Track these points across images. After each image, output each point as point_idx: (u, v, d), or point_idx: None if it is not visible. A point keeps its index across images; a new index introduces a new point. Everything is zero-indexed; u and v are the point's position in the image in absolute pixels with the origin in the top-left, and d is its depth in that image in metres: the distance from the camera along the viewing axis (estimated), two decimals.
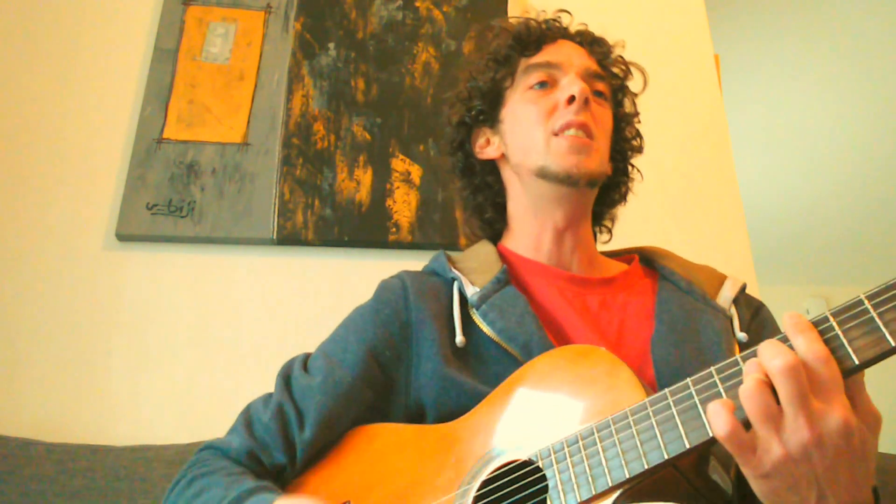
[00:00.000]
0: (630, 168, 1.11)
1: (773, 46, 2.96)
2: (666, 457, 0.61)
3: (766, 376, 0.57)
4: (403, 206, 1.65)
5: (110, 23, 1.80)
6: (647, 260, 1.04)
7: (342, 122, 1.71)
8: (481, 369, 0.87)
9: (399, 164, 1.69)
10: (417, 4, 1.85)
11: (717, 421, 0.58)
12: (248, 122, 1.69)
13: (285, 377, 0.91)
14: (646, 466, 0.62)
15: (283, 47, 1.77)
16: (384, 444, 0.84)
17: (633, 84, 1.11)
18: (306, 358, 0.94)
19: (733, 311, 0.92)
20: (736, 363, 0.62)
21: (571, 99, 0.95)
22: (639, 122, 1.11)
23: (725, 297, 0.94)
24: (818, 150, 3.49)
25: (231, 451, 0.86)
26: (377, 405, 0.89)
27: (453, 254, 1.03)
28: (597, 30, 1.11)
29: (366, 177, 1.67)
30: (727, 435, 0.57)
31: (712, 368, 0.63)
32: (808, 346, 0.57)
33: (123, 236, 1.58)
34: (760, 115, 3.28)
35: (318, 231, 1.61)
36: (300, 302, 1.57)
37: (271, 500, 0.73)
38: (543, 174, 0.96)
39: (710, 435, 0.60)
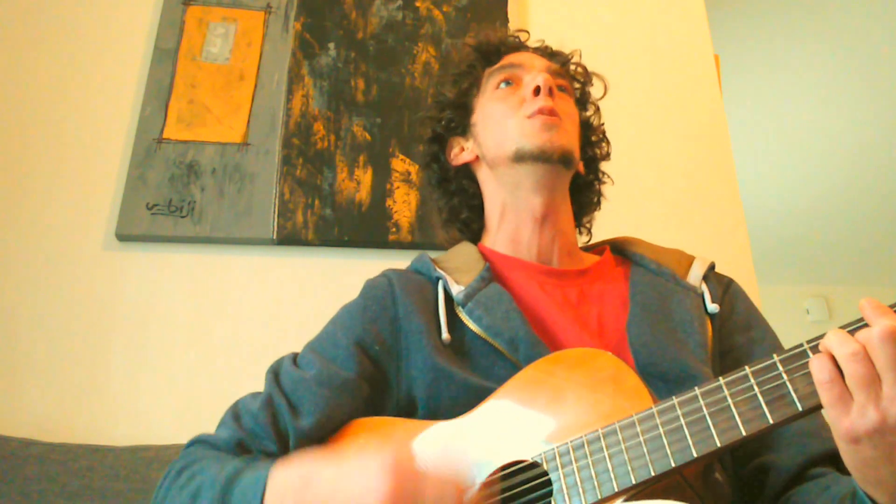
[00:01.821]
0: (601, 173, 1.16)
1: (774, 47, 2.96)
2: (672, 465, 0.62)
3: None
4: (403, 206, 1.65)
5: (110, 23, 1.80)
6: (618, 249, 1.07)
7: (342, 122, 1.71)
8: (469, 364, 0.87)
9: (399, 164, 1.69)
10: (417, 4, 1.85)
11: (820, 366, 0.59)
12: (248, 122, 1.69)
13: (274, 373, 0.91)
14: (652, 473, 0.63)
15: (283, 47, 1.77)
16: (383, 438, 0.84)
17: (595, 91, 1.17)
18: (295, 356, 0.94)
19: (703, 287, 0.94)
20: (745, 377, 0.63)
21: (538, 90, 0.99)
22: (603, 131, 1.16)
23: (695, 275, 0.96)
24: (818, 149, 3.49)
25: (219, 442, 0.85)
26: (371, 400, 0.89)
27: (434, 254, 1.05)
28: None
29: (366, 177, 1.67)
30: (829, 380, 0.58)
31: (721, 381, 0.64)
32: None
33: (123, 236, 1.58)
34: (760, 115, 3.28)
35: (318, 231, 1.61)
36: (300, 302, 1.57)
37: (267, 469, 0.72)
38: (519, 156, 0.98)
39: (718, 445, 0.61)
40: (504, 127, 1.01)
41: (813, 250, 4.09)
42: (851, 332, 0.60)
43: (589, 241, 1.16)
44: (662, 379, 0.82)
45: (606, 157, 1.16)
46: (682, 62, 1.92)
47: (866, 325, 0.59)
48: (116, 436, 1.38)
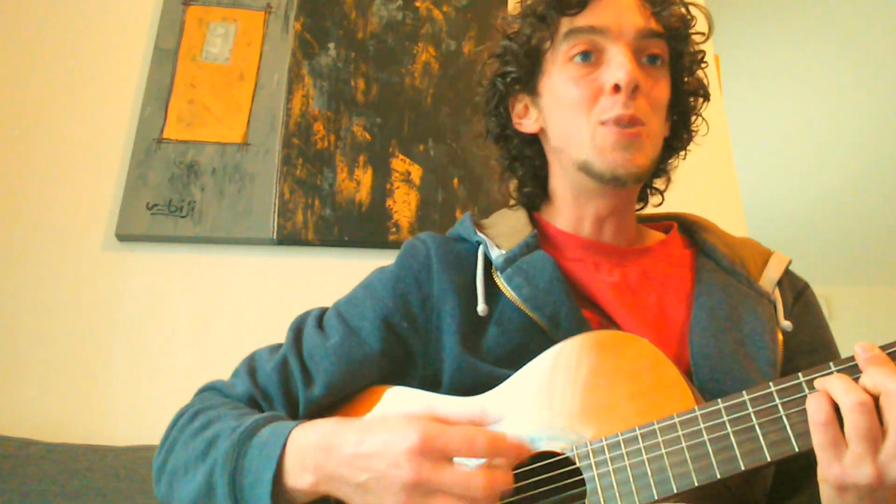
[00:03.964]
0: (694, 118, 0.98)
1: (774, 47, 2.96)
2: (718, 476, 0.60)
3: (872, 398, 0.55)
4: (403, 206, 1.65)
5: (110, 23, 1.80)
6: (686, 229, 0.96)
7: (342, 122, 1.71)
8: (503, 339, 0.81)
9: (399, 164, 1.69)
10: (417, 4, 1.85)
11: (817, 406, 0.56)
12: (248, 122, 1.69)
13: (296, 331, 0.88)
14: (696, 484, 0.60)
15: (283, 47, 1.77)
16: (404, 409, 0.78)
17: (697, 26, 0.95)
18: (321, 314, 0.90)
19: (777, 294, 0.84)
20: (800, 386, 0.60)
21: (617, 88, 0.81)
22: (706, 64, 0.95)
23: (770, 278, 0.86)
24: (818, 150, 3.49)
25: (233, 394, 0.83)
26: (392, 373, 0.85)
27: (482, 219, 0.96)
28: None
29: (366, 177, 1.67)
30: (826, 421, 0.56)
31: (772, 388, 0.61)
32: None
33: (123, 236, 1.58)
34: (760, 115, 3.28)
35: (318, 231, 1.61)
36: (300, 302, 1.55)
37: (288, 428, 0.69)
38: (586, 169, 0.85)
39: (768, 459, 0.58)
40: (573, 124, 0.85)
41: (813, 250, 4.09)
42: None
43: (661, 203, 1.03)
44: None
45: (705, 98, 0.96)
46: None
47: (860, 372, 0.58)
48: (116, 436, 1.38)
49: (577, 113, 0.84)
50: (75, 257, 1.57)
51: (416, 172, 1.68)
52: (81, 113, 1.70)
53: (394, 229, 1.62)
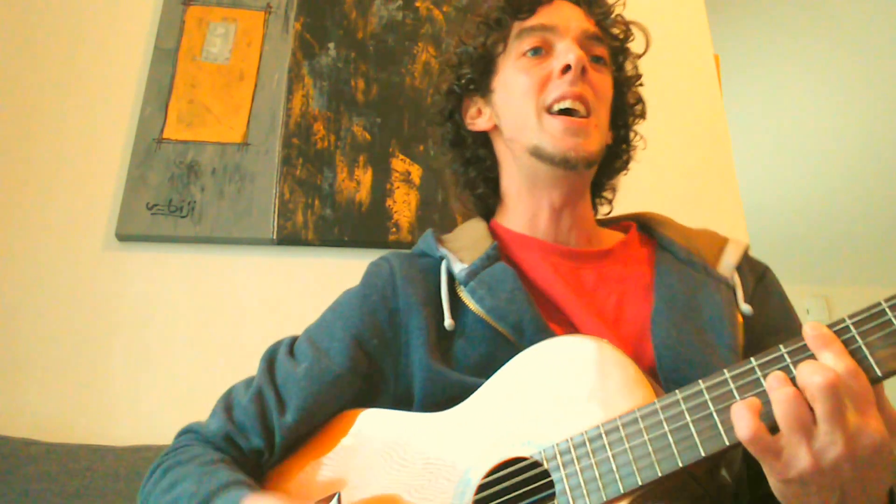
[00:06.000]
0: (633, 135, 1.04)
1: (774, 46, 2.96)
2: (680, 465, 0.61)
3: (801, 390, 0.56)
4: (403, 206, 1.65)
5: (110, 23, 1.80)
6: (645, 227, 0.99)
7: (342, 122, 1.71)
8: (470, 351, 0.83)
9: (399, 164, 1.69)
10: (417, 4, 1.85)
11: (742, 423, 0.57)
12: (248, 122, 1.69)
13: (269, 361, 0.89)
14: (659, 474, 0.61)
15: (283, 47, 1.77)
16: (376, 432, 0.81)
17: (635, 45, 1.05)
18: (292, 342, 0.92)
19: (736, 279, 0.87)
20: (752, 370, 0.61)
21: (567, 68, 0.88)
22: (641, 84, 1.05)
23: (727, 264, 0.88)
24: (818, 149, 3.49)
25: (209, 434, 0.84)
26: (364, 393, 0.86)
27: (443, 234, 0.99)
28: None
29: (366, 177, 1.67)
30: (751, 438, 0.57)
31: (727, 374, 0.62)
32: (837, 361, 0.56)
33: (123, 236, 1.58)
34: (760, 114, 3.28)
35: (318, 231, 1.61)
36: (300, 302, 1.57)
37: (239, 498, 0.72)
38: (538, 154, 0.90)
39: (727, 444, 0.60)
40: (524, 111, 0.91)
41: (813, 250, 4.09)
42: (795, 361, 0.59)
43: (610, 211, 1.07)
44: None
45: (641, 116, 1.04)
46: (682, 62, 1.92)
47: (809, 351, 0.58)
48: (116, 436, 1.38)
49: (527, 100, 0.91)
50: (75, 257, 1.57)
51: (416, 172, 1.68)
52: (81, 113, 1.70)
53: (394, 229, 1.62)
